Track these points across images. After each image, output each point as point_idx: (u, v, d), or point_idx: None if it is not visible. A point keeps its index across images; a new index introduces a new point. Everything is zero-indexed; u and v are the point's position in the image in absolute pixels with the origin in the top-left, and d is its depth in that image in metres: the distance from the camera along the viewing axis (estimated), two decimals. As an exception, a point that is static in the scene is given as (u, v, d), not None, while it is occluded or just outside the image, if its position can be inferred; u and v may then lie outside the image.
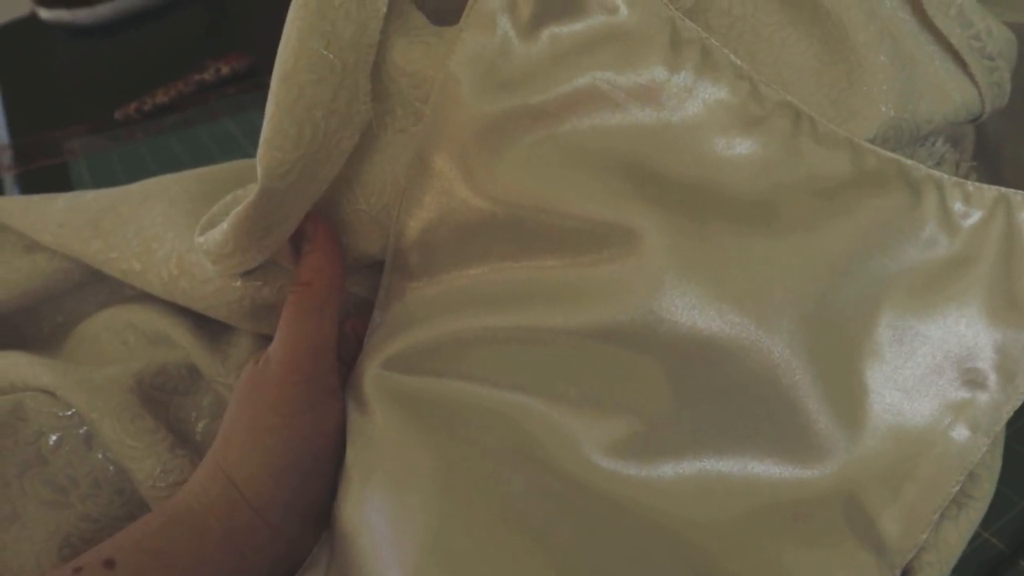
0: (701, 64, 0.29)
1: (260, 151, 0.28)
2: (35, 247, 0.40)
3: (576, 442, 0.29)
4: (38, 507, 0.31)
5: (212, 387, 0.36)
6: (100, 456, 0.33)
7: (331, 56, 0.28)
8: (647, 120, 0.29)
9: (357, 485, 0.29)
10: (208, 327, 0.37)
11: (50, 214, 0.39)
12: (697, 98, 0.29)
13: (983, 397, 0.29)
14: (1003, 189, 0.29)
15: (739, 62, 0.29)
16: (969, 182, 0.29)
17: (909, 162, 0.29)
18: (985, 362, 0.29)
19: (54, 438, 0.32)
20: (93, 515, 0.32)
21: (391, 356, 0.31)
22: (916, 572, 0.30)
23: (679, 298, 0.28)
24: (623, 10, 0.29)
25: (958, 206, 0.29)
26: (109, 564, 0.26)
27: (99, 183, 0.60)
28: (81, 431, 0.33)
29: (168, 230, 0.37)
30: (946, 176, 0.29)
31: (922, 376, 0.29)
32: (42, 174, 0.63)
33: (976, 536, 0.34)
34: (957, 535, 0.30)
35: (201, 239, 0.32)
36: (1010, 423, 0.36)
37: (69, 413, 0.33)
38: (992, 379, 0.29)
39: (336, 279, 0.32)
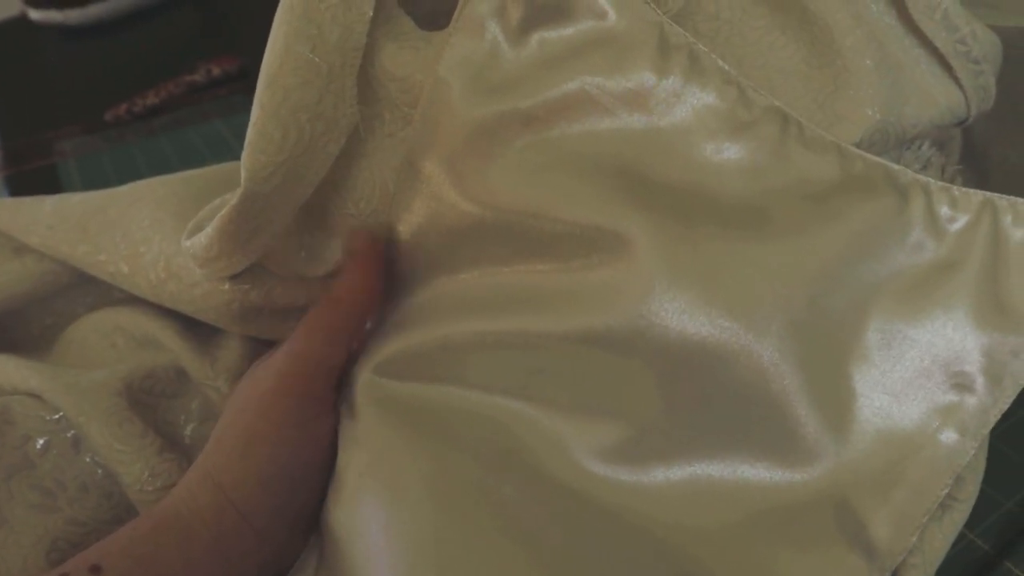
0: (689, 69, 0.29)
1: (244, 154, 0.28)
2: (23, 250, 0.40)
3: (566, 447, 0.29)
4: (25, 511, 0.31)
5: (201, 390, 0.36)
6: (88, 460, 0.33)
7: (317, 59, 0.28)
8: (636, 125, 0.29)
9: (348, 490, 0.29)
10: (197, 330, 0.37)
11: (38, 217, 0.39)
12: (685, 103, 0.29)
13: (971, 400, 0.29)
14: (988, 194, 0.29)
15: (727, 67, 0.29)
16: (955, 187, 0.29)
17: (896, 167, 0.29)
18: (972, 365, 0.29)
19: (41, 442, 0.32)
20: (81, 519, 0.32)
21: (382, 361, 0.31)
22: (901, 574, 0.30)
23: (669, 303, 0.28)
24: (611, 15, 0.29)
25: (944, 211, 0.29)
26: (95, 570, 0.26)
27: (89, 184, 0.60)
28: (69, 435, 0.33)
29: (156, 233, 0.37)
30: (932, 181, 0.29)
31: (910, 380, 0.29)
32: (32, 175, 0.63)
33: (961, 537, 0.34)
34: (942, 537, 0.30)
35: (187, 243, 0.32)
36: (995, 426, 0.37)
37: (56, 417, 0.33)
38: (979, 382, 0.29)
39: (368, 303, 0.31)
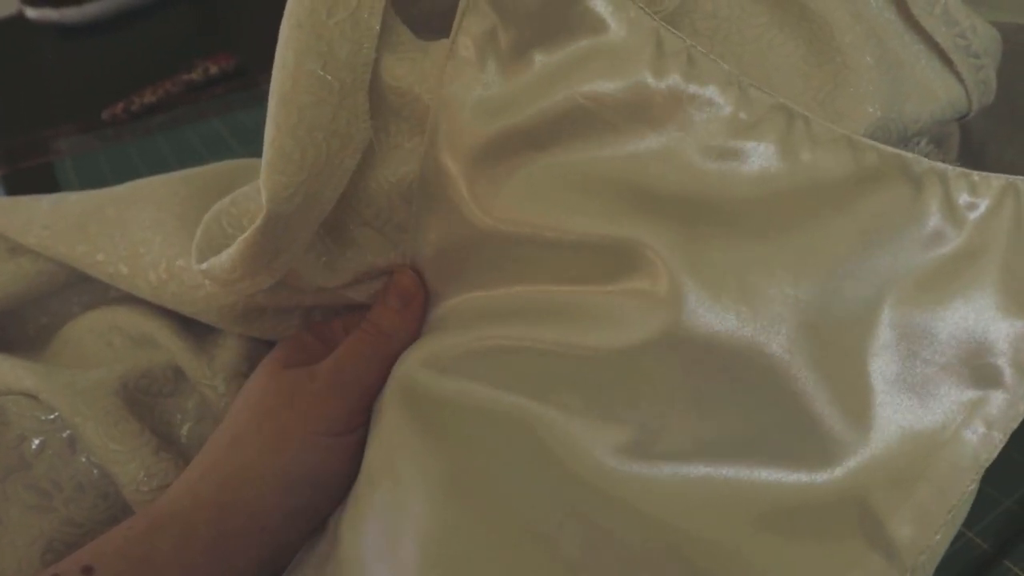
0: (688, 74, 0.29)
1: (263, 175, 0.28)
2: (19, 249, 0.40)
3: (585, 446, 0.28)
4: (21, 512, 0.31)
5: (197, 389, 0.36)
6: (84, 460, 0.32)
7: (328, 77, 0.27)
8: (639, 136, 0.29)
9: (364, 487, 0.29)
10: (194, 329, 0.37)
11: (35, 216, 0.39)
12: (686, 109, 0.29)
13: (998, 394, 0.28)
14: (1010, 177, 0.28)
15: (726, 67, 0.29)
16: (975, 172, 0.28)
17: (910, 156, 0.28)
18: (999, 357, 0.28)
19: (37, 442, 0.32)
20: (77, 519, 0.32)
21: (409, 365, 0.31)
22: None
23: (696, 306, 0.28)
24: (611, 26, 0.28)
25: (964, 197, 0.28)
26: (88, 570, 0.26)
27: (86, 183, 0.60)
28: (64, 435, 0.32)
29: (156, 234, 0.36)
30: (950, 168, 0.28)
31: (931, 375, 0.28)
32: (28, 174, 0.63)
33: (960, 536, 0.34)
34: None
35: (205, 266, 0.32)
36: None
37: (52, 417, 0.33)
38: (1008, 374, 0.28)
39: (410, 340, 0.33)
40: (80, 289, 0.41)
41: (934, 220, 0.28)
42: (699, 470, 0.28)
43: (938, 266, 0.28)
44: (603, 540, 0.27)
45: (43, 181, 0.62)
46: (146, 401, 0.35)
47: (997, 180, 0.28)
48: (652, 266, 0.28)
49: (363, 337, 0.32)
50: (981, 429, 0.28)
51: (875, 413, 0.28)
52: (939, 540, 0.28)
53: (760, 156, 0.28)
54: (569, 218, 0.29)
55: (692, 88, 0.28)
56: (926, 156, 0.35)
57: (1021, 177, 0.28)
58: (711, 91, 0.28)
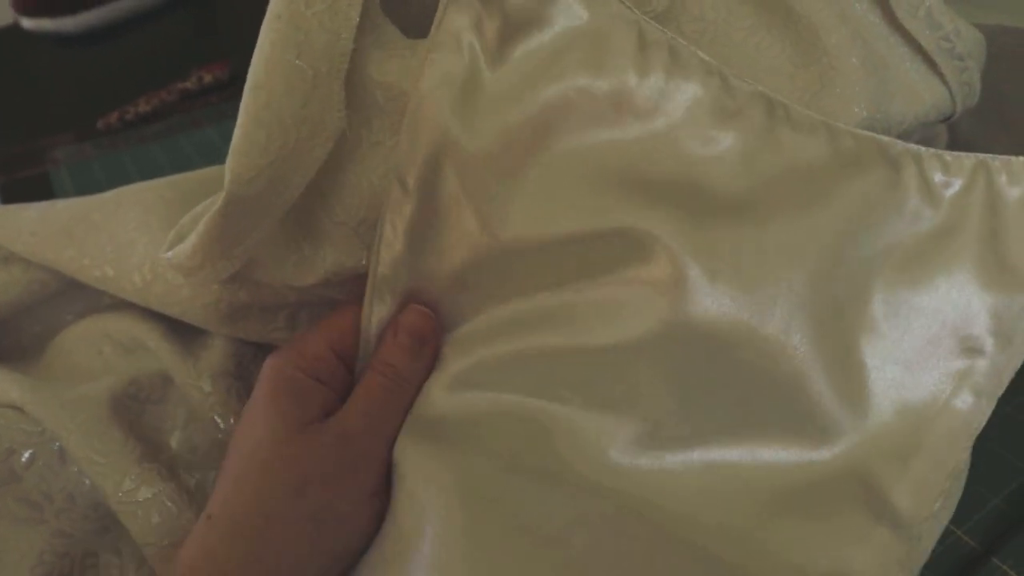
0: (670, 64, 0.29)
1: (229, 158, 0.28)
2: (11, 259, 0.40)
3: (589, 442, 0.29)
4: (11, 526, 0.31)
5: (186, 397, 0.35)
6: (75, 470, 0.32)
7: (303, 65, 0.28)
8: (625, 126, 0.29)
9: (395, 543, 0.29)
10: (182, 332, 0.37)
11: (23, 224, 0.39)
12: (671, 99, 0.29)
13: (982, 363, 0.29)
14: (981, 155, 0.29)
15: (707, 57, 0.29)
16: (947, 152, 0.29)
17: (886, 139, 0.29)
18: (981, 328, 0.29)
19: (27, 454, 0.32)
20: (67, 530, 0.32)
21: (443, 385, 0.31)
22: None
23: (697, 291, 0.28)
24: (585, 15, 0.29)
25: (938, 177, 0.29)
26: None
27: (81, 192, 0.60)
28: (55, 447, 0.32)
29: (142, 235, 0.37)
30: (923, 149, 0.30)
31: (920, 348, 0.29)
32: (24, 183, 0.63)
33: (949, 534, 0.34)
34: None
35: (170, 254, 0.32)
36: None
37: (40, 429, 0.33)
38: (989, 344, 0.29)
39: (426, 378, 0.32)
40: (72, 297, 0.41)
41: (913, 200, 0.29)
42: (704, 456, 0.29)
43: (919, 244, 0.29)
44: (612, 540, 0.28)
45: (39, 190, 0.62)
46: (134, 408, 0.34)
47: (968, 159, 0.29)
48: (651, 253, 0.29)
49: (382, 384, 0.31)
50: (970, 398, 0.29)
51: (870, 389, 0.29)
52: (939, 508, 0.29)
53: (743, 140, 0.29)
54: (567, 215, 0.29)
55: (676, 78, 0.29)
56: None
57: (991, 156, 0.29)
58: (694, 80, 0.29)
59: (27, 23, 0.80)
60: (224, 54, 0.75)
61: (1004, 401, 0.38)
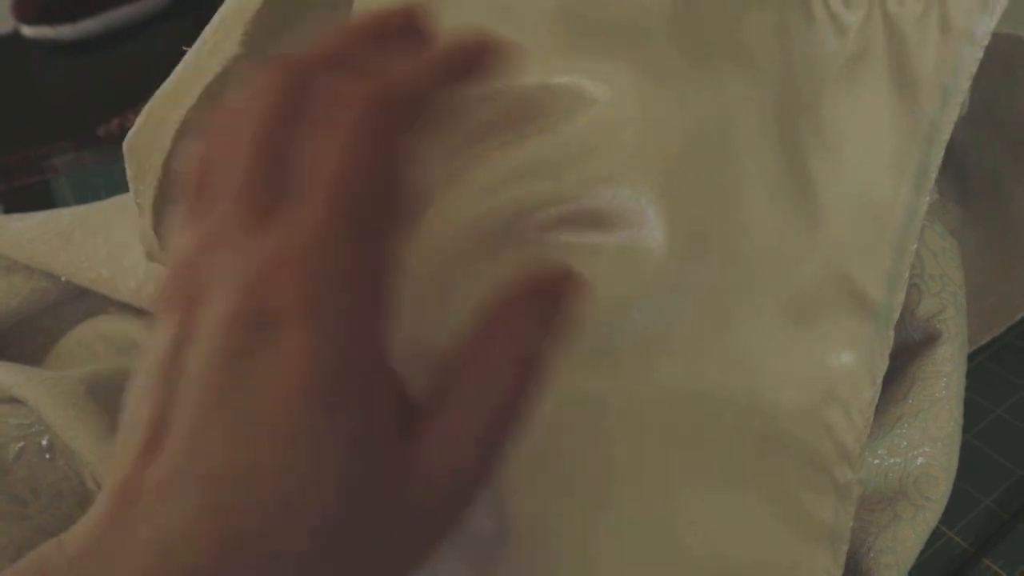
0: None
1: None
2: (13, 268, 0.41)
3: None
4: (-6, 518, 0.31)
5: None
6: (63, 464, 0.33)
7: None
8: None
9: None
10: None
11: (24, 231, 0.40)
12: None
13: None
14: None
15: None
16: None
17: None
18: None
19: (16, 448, 0.32)
20: (50, 528, 0.32)
21: None
22: (875, 574, 0.30)
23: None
24: None
25: (841, 10, 0.29)
26: None
27: (81, 200, 0.60)
28: (44, 442, 0.33)
29: (137, 236, 0.37)
30: None
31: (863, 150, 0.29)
32: (24, 191, 0.64)
33: (940, 535, 0.34)
34: (914, 536, 0.30)
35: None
36: (973, 424, 0.37)
37: (29, 422, 0.33)
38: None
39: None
40: (73, 307, 0.41)
41: (828, 35, 0.29)
42: None
43: (840, 70, 0.29)
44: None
45: (39, 198, 0.62)
46: (120, 397, 0.35)
47: None
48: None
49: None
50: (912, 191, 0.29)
51: (825, 196, 0.29)
52: (899, 301, 0.29)
53: None
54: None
55: None
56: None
57: None
58: None
59: (27, 31, 0.80)
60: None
61: (994, 403, 0.39)
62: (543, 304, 0.20)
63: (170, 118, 0.30)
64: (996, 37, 0.28)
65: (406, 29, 0.21)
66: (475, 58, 0.21)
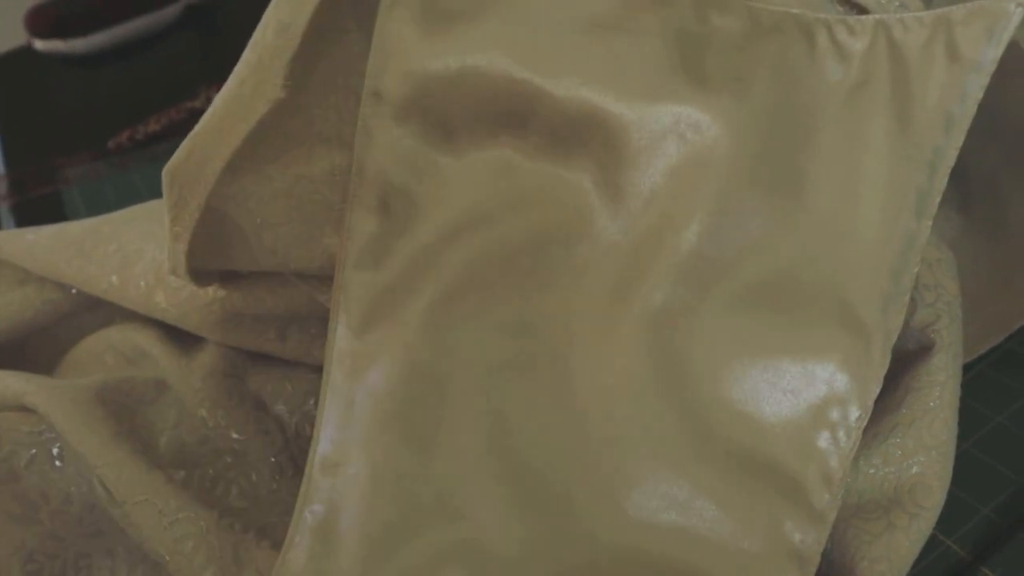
0: None
1: None
2: (27, 280, 0.41)
3: None
4: (4, 521, 0.32)
5: (176, 394, 0.36)
6: (71, 470, 0.33)
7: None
8: None
9: None
10: (182, 338, 0.39)
11: (38, 241, 0.40)
12: None
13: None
14: (879, 16, 0.30)
15: None
16: (850, 17, 0.30)
17: (797, 11, 0.30)
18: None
19: (28, 455, 0.33)
20: (60, 533, 0.32)
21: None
22: (868, 582, 0.30)
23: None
24: None
25: (845, 38, 0.30)
26: None
27: (93, 211, 0.61)
28: (55, 449, 0.33)
29: (147, 243, 0.38)
30: (831, 16, 0.30)
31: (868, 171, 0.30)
32: (36, 203, 0.64)
33: (939, 544, 0.34)
34: (908, 545, 0.30)
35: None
36: (972, 432, 0.37)
37: (39, 429, 0.33)
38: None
39: None
40: (86, 319, 0.42)
41: (830, 63, 0.30)
42: None
43: (840, 100, 0.30)
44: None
45: (51, 210, 0.63)
46: (127, 404, 0.35)
47: (868, 20, 0.30)
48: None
49: None
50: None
51: (812, 198, 0.29)
52: (896, 323, 0.29)
53: (680, 19, 0.30)
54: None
55: None
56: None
57: (888, 15, 0.30)
58: None
59: (40, 44, 0.82)
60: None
61: (995, 411, 0.39)
62: None
63: (216, 155, 0.31)
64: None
65: None
66: None
